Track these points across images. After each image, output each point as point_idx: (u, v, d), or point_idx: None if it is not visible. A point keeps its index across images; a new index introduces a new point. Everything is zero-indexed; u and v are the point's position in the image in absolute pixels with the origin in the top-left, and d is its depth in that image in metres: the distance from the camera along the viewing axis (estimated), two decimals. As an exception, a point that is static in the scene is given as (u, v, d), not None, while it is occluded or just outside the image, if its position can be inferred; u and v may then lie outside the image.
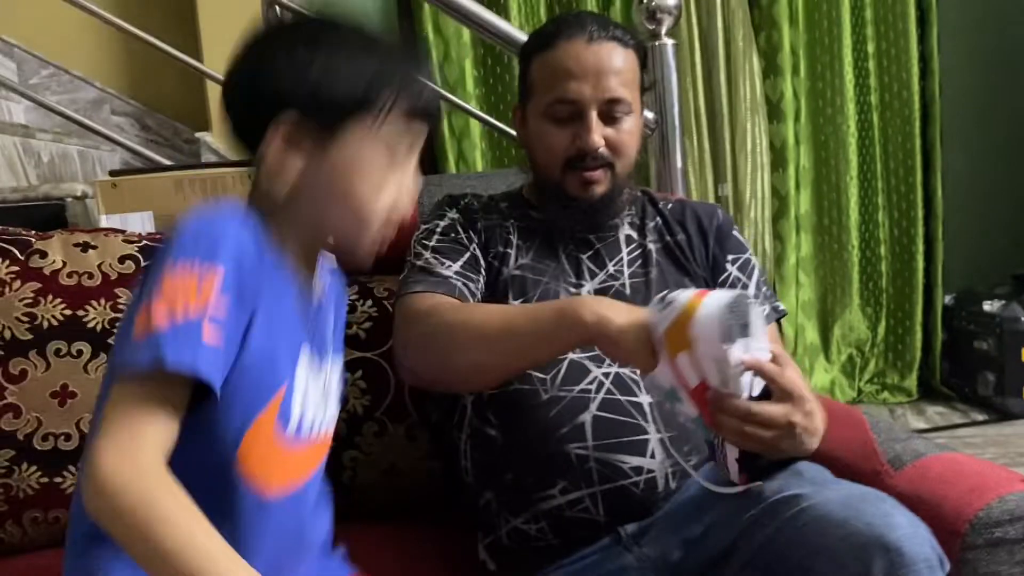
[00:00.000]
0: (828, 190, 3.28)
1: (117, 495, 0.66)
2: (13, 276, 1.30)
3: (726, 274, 1.25)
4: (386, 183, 0.82)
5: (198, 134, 2.86)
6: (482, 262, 1.21)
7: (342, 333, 1.03)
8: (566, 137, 1.17)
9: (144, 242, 1.39)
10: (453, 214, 1.26)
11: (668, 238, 1.27)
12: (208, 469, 0.77)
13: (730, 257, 1.26)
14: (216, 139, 2.80)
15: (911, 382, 3.28)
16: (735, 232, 1.29)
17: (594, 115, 1.16)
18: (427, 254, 1.19)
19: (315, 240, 0.86)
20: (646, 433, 1.09)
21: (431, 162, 2.97)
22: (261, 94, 0.80)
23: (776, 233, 3.23)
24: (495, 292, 1.20)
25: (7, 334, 1.27)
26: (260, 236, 0.78)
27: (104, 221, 1.55)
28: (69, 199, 1.68)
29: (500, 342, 1.03)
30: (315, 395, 0.89)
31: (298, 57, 0.80)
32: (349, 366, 1.39)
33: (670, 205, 1.31)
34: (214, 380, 0.71)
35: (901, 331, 3.33)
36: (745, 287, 1.24)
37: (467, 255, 1.20)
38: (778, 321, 1.25)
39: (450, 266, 1.18)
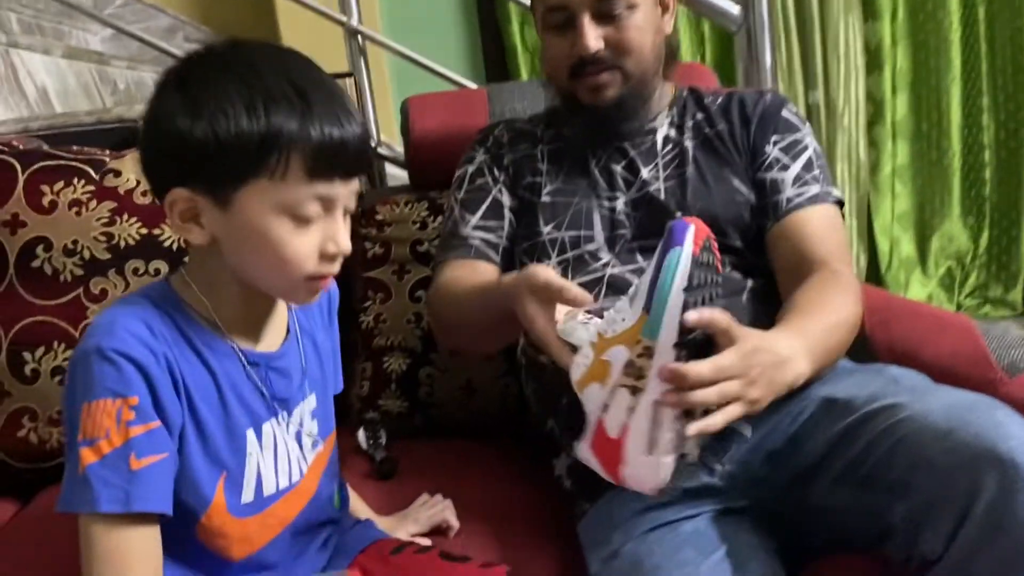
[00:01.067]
0: (927, 93, 3.07)
1: None
2: (89, 196, 1.30)
3: (764, 157, 1.17)
4: (300, 242, 0.78)
5: (270, 58, 2.83)
6: (506, 203, 1.23)
7: (334, 355, 1.01)
8: (565, 45, 1.14)
9: (215, 159, 1.37)
10: (481, 155, 1.27)
11: (707, 130, 1.20)
12: (179, 540, 0.82)
13: (773, 138, 1.18)
14: (288, 62, 2.77)
15: (1016, 295, 3.10)
16: (786, 113, 1.20)
17: (586, 18, 1.11)
18: (456, 208, 1.24)
19: (250, 285, 0.82)
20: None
21: (503, 73, 2.91)
22: (153, 168, 0.80)
23: (871, 140, 3.05)
24: (530, 222, 1.20)
25: (86, 254, 1.28)
26: (173, 322, 0.80)
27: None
28: (142, 121, 1.67)
29: (468, 329, 1.12)
30: (284, 449, 0.88)
31: (179, 127, 0.75)
32: (424, 283, 1.37)
33: (719, 99, 1.24)
34: (150, 506, 0.75)
35: (1006, 241, 3.13)
36: (785, 168, 1.15)
37: (488, 201, 1.23)
38: (840, 209, 1.16)
39: (469, 221, 1.22)
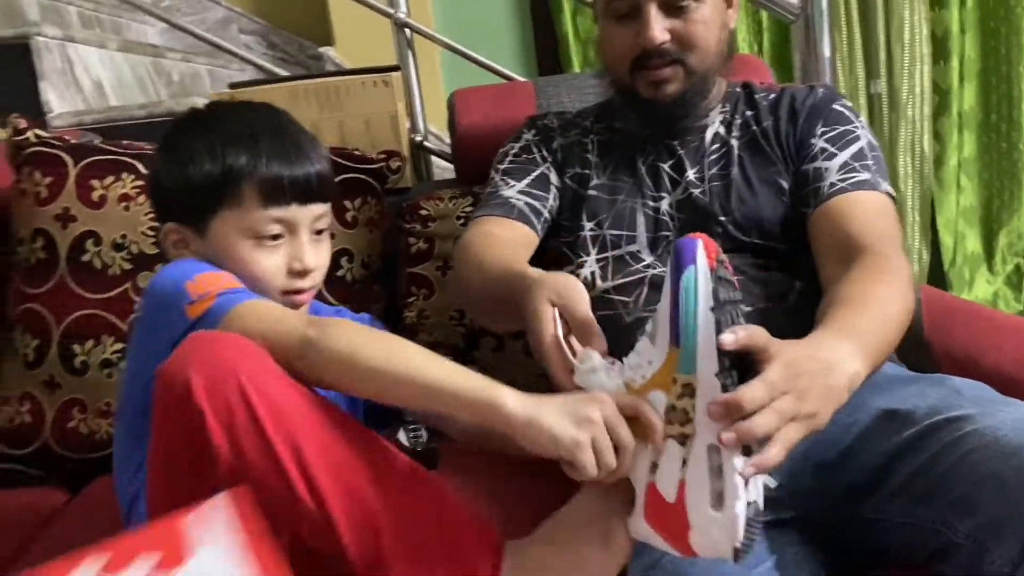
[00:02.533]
0: (997, 83, 2.94)
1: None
2: (138, 191, 1.32)
3: (811, 149, 1.11)
4: (267, 261, 0.93)
5: (322, 49, 2.85)
6: (553, 180, 1.19)
7: None
8: (628, 36, 1.10)
9: (261, 154, 1.38)
10: (529, 135, 1.24)
11: (754, 128, 1.15)
12: None
13: (820, 130, 1.12)
14: (340, 54, 2.78)
15: (1089, 295, 2.97)
16: (838, 105, 1.15)
17: (653, 8, 1.07)
18: (497, 176, 1.20)
19: None
20: None
21: (554, 64, 2.88)
22: (153, 208, 1.01)
23: (936, 132, 2.94)
24: (573, 215, 1.17)
25: (134, 248, 1.30)
26: None
27: (225, 135, 1.55)
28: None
29: (483, 302, 1.06)
30: None
31: (161, 176, 0.96)
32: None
33: (771, 95, 1.19)
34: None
35: (1079, 238, 3.00)
36: (831, 157, 1.09)
37: (536, 173, 1.18)
38: (893, 201, 1.09)
39: (514, 186, 1.17)
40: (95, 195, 1.30)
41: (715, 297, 0.71)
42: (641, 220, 1.13)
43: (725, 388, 0.70)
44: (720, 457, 0.70)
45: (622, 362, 0.79)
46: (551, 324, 0.84)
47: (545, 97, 1.51)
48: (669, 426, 0.72)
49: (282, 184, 0.92)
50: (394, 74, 1.58)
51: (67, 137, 1.37)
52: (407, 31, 1.84)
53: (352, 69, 1.58)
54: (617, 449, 0.74)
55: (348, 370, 0.78)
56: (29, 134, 1.34)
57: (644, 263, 1.10)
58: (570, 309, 0.85)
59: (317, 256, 0.96)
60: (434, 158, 1.88)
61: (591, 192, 1.16)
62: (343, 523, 0.76)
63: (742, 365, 0.73)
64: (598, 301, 1.09)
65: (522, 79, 1.85)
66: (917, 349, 1.16)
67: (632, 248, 1.12)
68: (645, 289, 1.08)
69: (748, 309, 1.01)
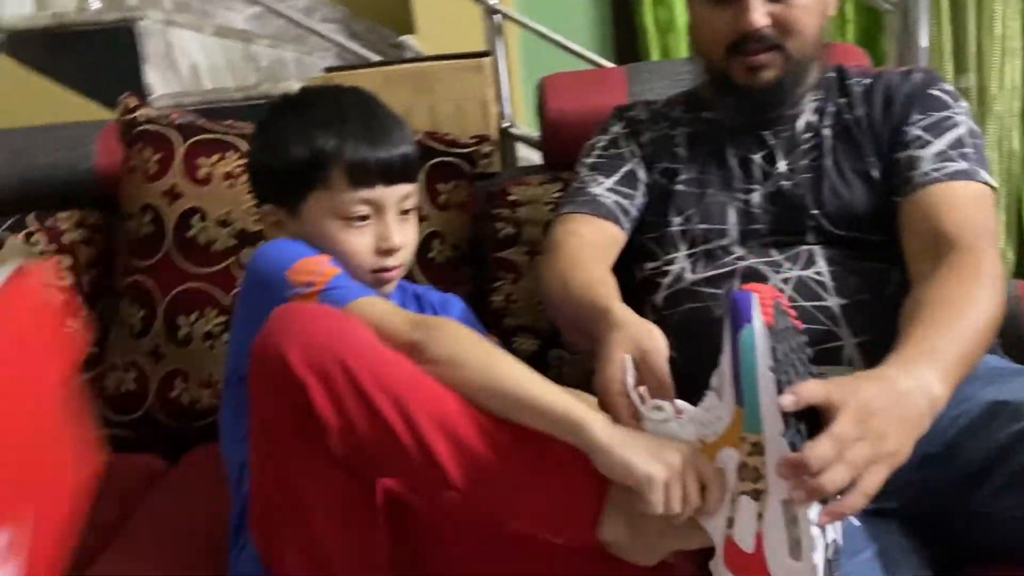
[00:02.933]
0: (1093, 78, 2.84)
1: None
2: (241, 169, 1.35)
3: (904, 136, 1.08)
4: (355, 240, 0.97)
5: (402, 37, 2.88)
6: (642, 177, 1.17)
7: None
8: (726, 19, 1.07)
9: (358, 136, 1.41)
10: (617, 127, 1.22)
11: (847, 116, 1.13)
12: None
13: (915, 117, 1.09)
14: (420, 42, 2.81)
15: None
16: (935, 90, 1.11)
17: None
18: (584, 171, 1.19)
19: None
20: (839, 339, 0.99)
21: (632, 55, 2.87)
22: (253, 191, 1.05)
23: (1025, 129, 2.85)
24: (660, 210, 1.15)
25: (238, 225, 1.34)
26: None
27: (320, 118, 1.58)
28: (287, 98, 1.73)
29: (559, 311, 1.06)
30: None
31: (256, 156, 1.04)
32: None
33: (866, 80, 1.16)
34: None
35: None
36: (925, 145, 1.06)
37: (624, 169, 1.17)
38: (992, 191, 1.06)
39: (602, 182, 1.16)
40: (201, 173, 1.35)
41: (773, 356, 0.71)
42: (731, 214, 1.12)
43: (793, 446, 0.70)
44: (795, 510, 0.71)
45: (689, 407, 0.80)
46: (621, 372, 0.84)
47: (638, 84, 1.51)
48: (742, 483, 0.73)
49: (368, 166, 0.95)
50: (485, 60, 1.59)
51: (173, 116, 1.42)
52: (497, 17, 1.85)
53: (444, 55, 1.60)
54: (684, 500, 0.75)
55: (448, 376, 0.81)
56: (139, 113, 1.39)
57: (735, 255, 1.10)
58: (648, 363, 0.85)
59: (403, 235, 0.99)
60: (518, 144, 1.89)
61: (679, 187, 1.15)
62: (451, 467, 0.78)
63: (812, 415, 0.73)
64: (687, 294, 1.09)
65: (611, 65, 1.85)
66: (1020, 345, 1.13)
67: (723, 242, 1.11)
68: (736, 282, 1.06)
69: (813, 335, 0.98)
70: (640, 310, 1.15)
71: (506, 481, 0.79)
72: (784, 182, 1.11)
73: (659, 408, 0.80)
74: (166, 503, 1.23)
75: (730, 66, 1.10)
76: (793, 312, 0.76)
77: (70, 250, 1.44)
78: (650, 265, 1.15)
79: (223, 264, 1.33)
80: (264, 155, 1.01)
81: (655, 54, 2.86)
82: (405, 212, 1.01)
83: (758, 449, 0.72)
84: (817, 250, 1.07)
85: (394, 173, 0.97)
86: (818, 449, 0.70)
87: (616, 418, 0.82)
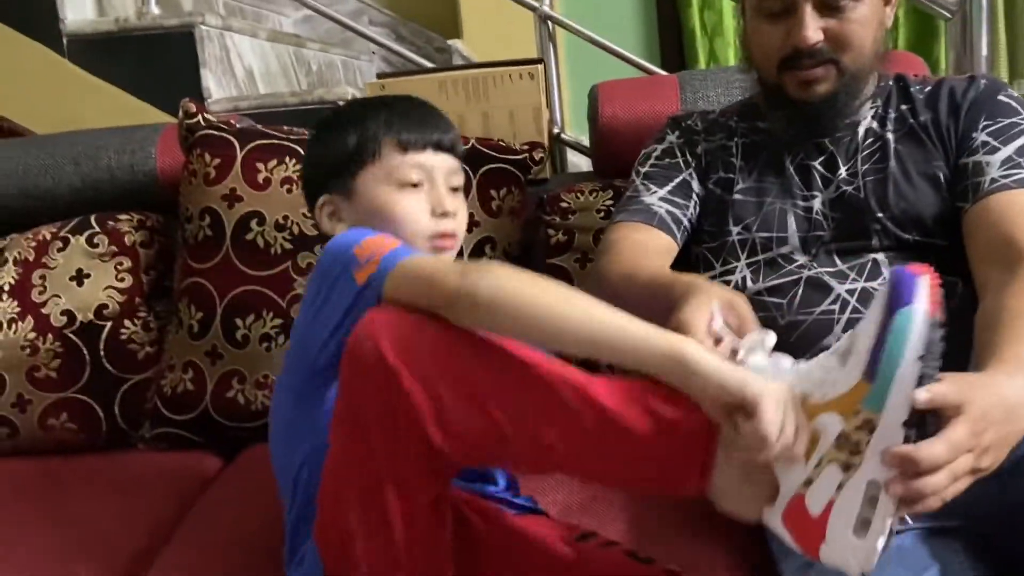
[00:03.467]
0: None
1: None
2: (299, 174, 1.37)
3: (971, 142, 1.07)
4: (410, 201, 0.99)
5: (450, 42, 2.89)
6: (695, 188, 1.18)
7: None
8: (779, 34, 1.06)
9: (413, 142, 1.42)
10: (673, 137, 1.22)
11: (911, 121, 1.11)
12: None
13: (983, 123, 1.07)
14: (467, 46, 2.82)
15: None
16: (1003, 96, 1.10)
17: (808, 7, 1.03)
18: (638, 180, 1.19)
19: None
20: None
21: (679, 60, 2.86)
22: (307, 188, 1.08)
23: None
24: (717, 220, 1.15)
25: (295, 229, 1.36)
26: None
27: (373, 123, 1.60)
28: (340, 102, 1.75)
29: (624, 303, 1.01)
30: None
31: (311, 152, 1.09)
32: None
33: (927, 88, 1.14)
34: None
35: None
36: (993, 151, 1.05)
37: (678, 180, 1.18)
38: None
39: (655, 192, 1.16)
40: (260, 177, 1.37)
41: (928, 348, 0.68)
42: (792, 221, 1.11)
43: (907, 438, 0.69)
44: (878, 490, 0.70)
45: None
46: (708, 315, 0.83)
47: (691, 91, 1.50)
48: (837, 451, 0.71)
49: (416, 133, 1.01)
50: (538, 66, 1.60)
51: (232, 121, 1.44)
52: (549, 24, 1.86)
53: (497, 61, 1.60)
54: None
55: (512, 317, 0.76)
56: (199, 118, 1.42)
57: (797, 263, 1.09)
58: (737, 309, 0.85)
59: (456, 205, 1.02)
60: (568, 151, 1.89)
61: (737, 196, 1.15)
62: (550, 437, 0.75)
63: (931, 413, 0.72)
64: (750, 303, 1.08)
65: (662, 72, 1.85)
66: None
67: (784, 250, 1.10)
68: (800, 289, 1.06)
69: (844, 319, 0.99)
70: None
71: (614, 451, 0.76)
72: (846, 187, 1.10)
73: (761, 340, 0.79)
74: (222, 502, 1.25)
75: (783, 80, 1.10)
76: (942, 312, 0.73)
77: (131, 252, 1.46)
78: (708, 275, 1.14)
79: (280, 267, 1.35)
80: (318, 151, 1.06)
81: (702, 58, 2.85)
82: (455, 190, 1.04)
83: (868, 426, 0.70)
84: (883, 260, 1.06)
85: (443, 143, 1.02)
86: (934, 450, 0.69)
87: None
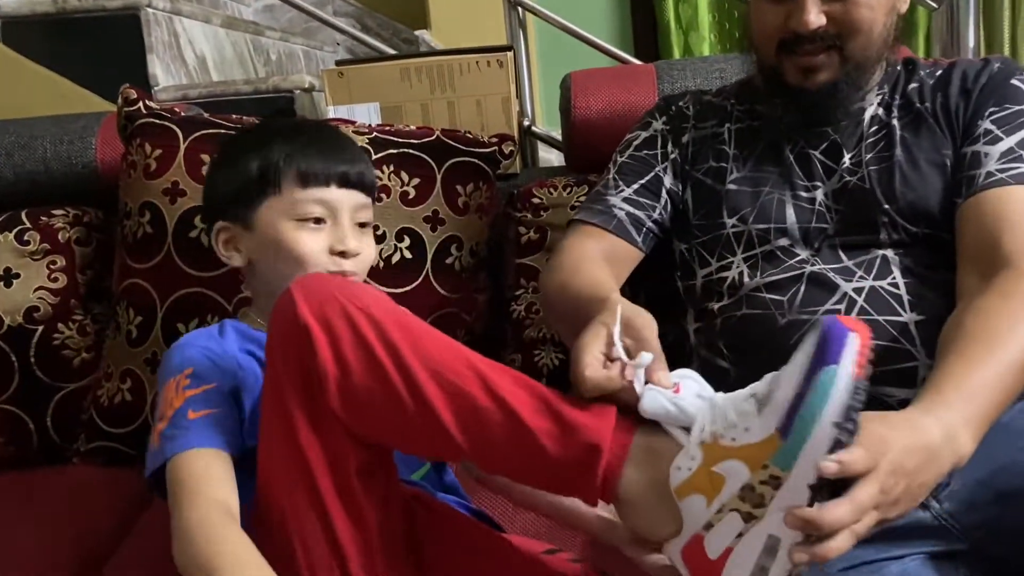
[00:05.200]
0: None
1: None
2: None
3: (975, 130, 1.00)
4: (310, 240, 0.94)
5: (417, 32, 2.80)
6: (668, 184, 1.12)
7: None
8: (779, 16, 1.01)
9: (375, 133, 1.32)
10: (659, 123, 1.16)
11: (918, 106, 1.04)
12: None
13: (990, 110, 1.01)
14: (435, 37, 2.73)
15: None
16: (1016, 81, 1.03)
17: None
18: (613, 170, 1.15)
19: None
20: (914, 359, 0.91)
21: (653, 53, 2.79)
22: (205, 212, 1.06)
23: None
24: (710, 212, 1.08)
25: (243, 225, 1.25)
26: (236, 331, 0.96)
27: (331, 113, 1.50)
28: (297, 91, 1.66)
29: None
30: None
31: (211, 177, 1.03)
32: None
33: (939, 71, 1.07)
34: (207, 444, 0.83)
35: None
36: (994, 141, 0.98)
37: (648, 177, 1.12)
38: None
39: (622, 191, 1.11)
40: (205, 170, 1.26)
41: (845, 414, 0.64)
42: (791, 212, 1.03)
43: (812, 500, 0.66)
44: (778, 544, 0.68)
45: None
46: (606, 337, 0.77)
47: (668, 82, 1.43)
48: (740, 502, 0.69)
49: (320, 168, 0.95)
50: (508, 54, 1.51)
51: (177, 109, 1.33)
52: (520, 10, 1.77)
53: (465, 48, 1.51)
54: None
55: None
56: (140, 105, 1.31)
57: (799, 258, 1.01)
58: (635, 326, 0.77)
59: (360, 243, 0.97)
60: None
61: (730, 187, 1.07)
62: (448, 418, 0.74)
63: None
64: (747, 300, 1.01)
65: (637, 62, 1.76)
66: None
67: (782, 242, 1.02)
68: (802, 287, 0.98)
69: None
70: (687, 321, 1.09)
71: (514, 438, 0.74)
72: (850, 176, 1.03)
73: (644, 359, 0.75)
74: (164, 523, 1.15)
75: (782, 64, 1.03)
76: (870, 369, 0.68)
77: (65, 249, 1.35)
78: (703, 272, 1.07)
79: (226, 268, 1.23)
80: (220, 173, 1.01)
81: (676, 53, 2.79)
82: (362, 225, 0.99)
83: (774, 482, 0.67)
84: (892, 257, 0.98)
85: (348, 178, 0.97)
86: (838, 512, 0.66)
87: (579, 380, 0.75)
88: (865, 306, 0.94)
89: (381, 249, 1.28)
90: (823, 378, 0.64)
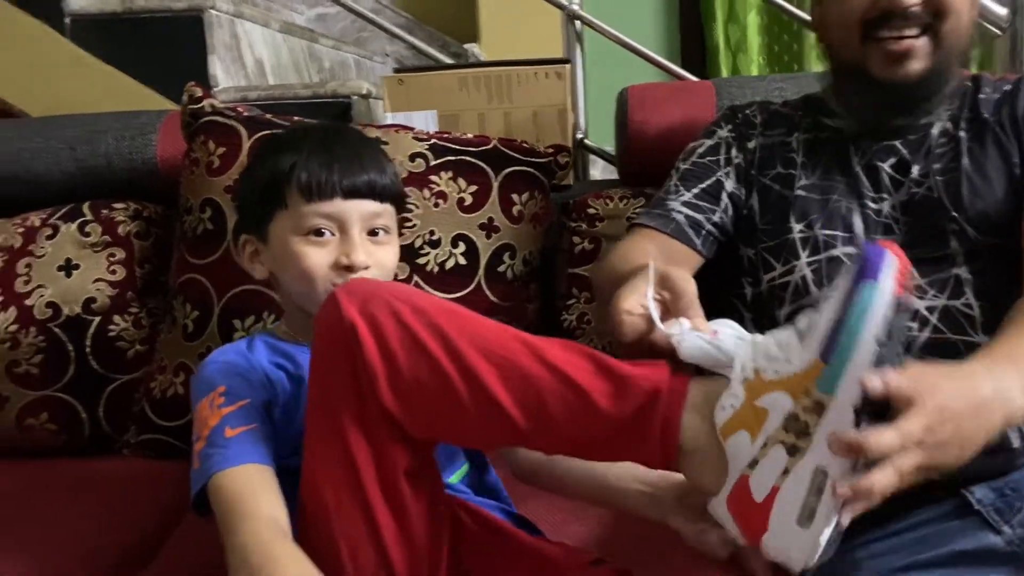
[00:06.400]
0: None
1: None
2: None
3: None
4: (316, 255, 0.92)
5: (467, 45, 2.82)
6: (730, 188, 1.10)
7: None
8: None
9: (433, 140, 1.33)
10: (724, 131, 1.14)
11: (986, 116, 1.03)
12: None
13: None
14: (484, 51, 2.75)
15: None
16: None
17: None
18: (675, 177, 1.13)
19: (301, 307, 0.96)
20: None
21: (701, 73, 2.78)
22: (235, 225, 1.07)
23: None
24: (776, 218, 1.06)
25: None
26: (266, 344, 0.97)
27: (389, 119, 1.51)
28: (355, 97, 1.67)
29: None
30: None
31: (239, 188, 1.04)
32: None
33: (1006, 86, 1.06)
34: (247, 460, 0.83)
35: None
36: None
37: (709, 182, 1.10)
38: None
39: (682, 195, 1.09)
40: (265, 169, 1.27)
41: (887, 330, 0.64)
42: (858, 220, 1.02)
43: (857, 422, 0.65)
44: (824, 481, 0.66)
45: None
46: (641, 293, 0.78)
47: (728, 99, 1.42)
48: (784, 433, 0.68)
49: (322, 180, 0.92)
50: (566, 66, 1.51)
51: (240, 109, 1.35)
52: (577, 24, 1.77)
53: (523, 60, 1.52)
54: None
55: None
56: (204, 103, 1.33)
57: None
58: (669, 280, 0.78)
59: (371, 254, 0.93)
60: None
61: (799, 193, 1.05)
62: (506, 400, 0.74)
63: (883, 402, 0.67)
64: (812, 305, 0.99)
65: (693, 78, 1.76)
66: None
67: (849, 250, 1.01)
68: None
69: (924, 337, 0.92)
70: (755, 325, 1.08)
71: (570, 403, 0.73)
72: (917, 188, 1.01)
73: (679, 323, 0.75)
74: (211, 520, 1.15)
75: (867, 53, 0.99)
76: (916, 298, 0.69)
77: (125, 243, 1.37)
78: (767, 276, 1.05)
79: (284, 266, 1.25)
80: (242, 184, 1.02)
81: (724, 74, 2.78)
82: (375, 233, 0.95)
83: (818, 408, 0.66)
84: (966, 277, 0.97)
85: (356, 188, 0.93)
86: (883, 439, 0.64)
87: (619, 332, 0.77)
88: (939, 325, 0.93)
89: (436, 254, 1.29)
90: (863, 295, 0.64)
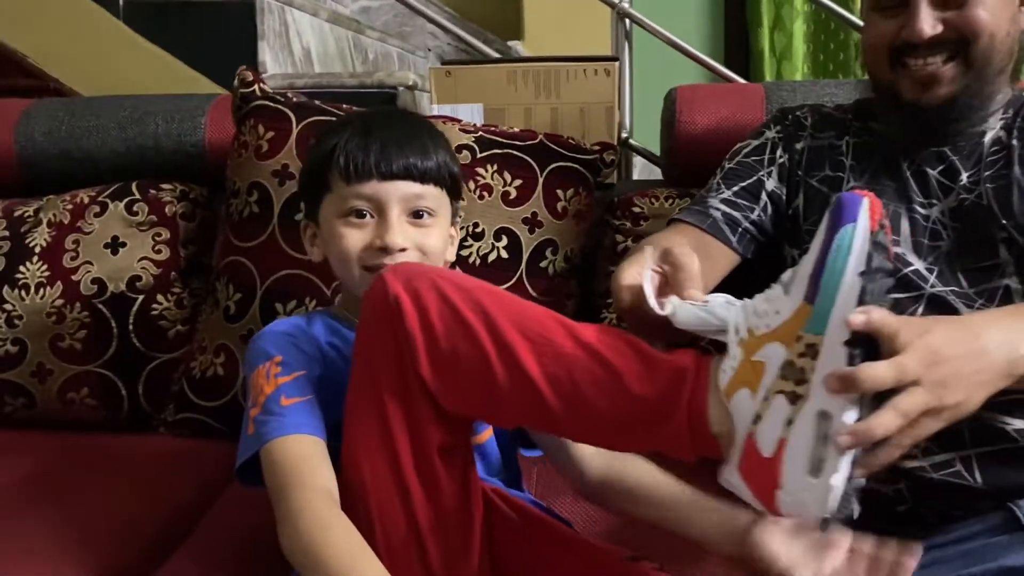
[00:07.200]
0: None
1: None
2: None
3: None
4: (352, 236, 0.93)
5: (510, 43, 2.82)
6: (770, 187, 1.10)
7: None
8: (891, 27, 0.98)
9: (480, 133, 1.33)
10: (772, 132, 1.14)
11: None
12: None
13: None
14: (528, 48, 2.75)
15: None
16: None
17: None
18: (719, 175, 1.14)
19: (347, 287, 0.99)
20: None
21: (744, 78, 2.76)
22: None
23: None
24: (820, 216, 1.01)
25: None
26: (323, 321, 0.97)
27: (435, 111, 1.51)
28: (401, 88, 1.68)
29: None
30: None
31: (300, 176, 1.06)
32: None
33: None
34: (303, 430, 0.84)
35: None
36: None
37: (750, 180, 1.11)
38: None
39: (723, 193, 1.10)
40: (314, 155, 1.28)
41: (867, 262, 0.65)
42: (905, 224, 1.01)
43: (851, 359, 0.65)
44: (829, 426, 0.66)
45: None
46: (641, 267, 0.82)
47: (777, 103, 1.40)
48: (783, 381, 0.68)
49: (359, 160, 0.92)
50: (614, 64, 1.51)
51: (290, 95, 1.36)
52: (627, 22, 1.77)
53: (572, 56, 1.51)
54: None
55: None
56: (255, 87, 1.34)
57: (911, 268, 0.98)
58: (672, 255, 0.81)
59: (410, 236, 0.93)
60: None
61: None
62: (535, 368, 0.75)
63: (875, 352, 0.67)
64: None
65: (742, 81, 1.75)
66: None
67: (895, 251, 0.99)
68: (921, 308, 0.95)
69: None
70: None
71: (601, 383, 0.74)
72: (967, 194, 1.00)
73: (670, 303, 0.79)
74: (246, 500, 1.16)
75: (897, 78, 1.00)
76: (891, 244, 0.70)
77: (171, 223, 1.39)
78: None
79: (329, 252, 1.25)
80: (302, 170, 1.04)
81: (768, 79, 2.75)
82: (420, 215, 0.94)
83: (812, 352, 0.67)
84: (1016, 288, 0.95)
85: (392, 170, 0.92)
86: (875, 370, 0.65)
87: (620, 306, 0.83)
88: None
89: (479, 246, 1.28)
90: (840, 238, 0.65)
